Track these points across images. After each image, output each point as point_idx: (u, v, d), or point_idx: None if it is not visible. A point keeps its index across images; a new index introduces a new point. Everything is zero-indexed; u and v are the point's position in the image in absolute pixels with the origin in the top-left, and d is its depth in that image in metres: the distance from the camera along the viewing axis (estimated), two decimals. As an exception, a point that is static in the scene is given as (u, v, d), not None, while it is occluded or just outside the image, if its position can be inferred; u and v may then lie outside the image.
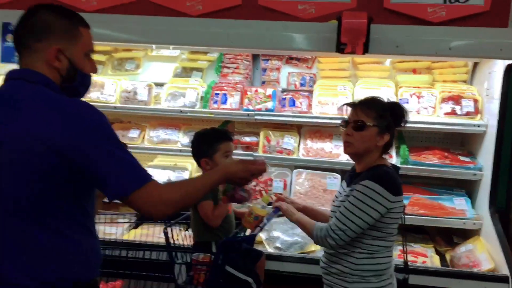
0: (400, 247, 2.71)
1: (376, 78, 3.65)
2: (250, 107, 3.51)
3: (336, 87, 3.57)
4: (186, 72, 3.93)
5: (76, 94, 1.66)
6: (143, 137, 3.76)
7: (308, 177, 3.54)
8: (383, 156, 2.26)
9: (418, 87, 3.49)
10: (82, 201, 1.59)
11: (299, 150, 3.52)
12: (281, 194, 3.35)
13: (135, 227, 3.50)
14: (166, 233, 2.42)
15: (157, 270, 2.61)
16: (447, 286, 2.85)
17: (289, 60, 3.88)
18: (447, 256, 3.20)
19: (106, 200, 1.75)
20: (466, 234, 3.30)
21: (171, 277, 2.44)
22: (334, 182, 3.46)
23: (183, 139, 3.68)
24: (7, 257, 1.50)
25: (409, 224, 3.07)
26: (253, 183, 3.41)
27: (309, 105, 3.52)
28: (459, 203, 3.28)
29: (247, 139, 3.65)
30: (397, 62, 3.67)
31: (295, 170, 3.58)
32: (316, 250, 3.06)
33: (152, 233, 3.21)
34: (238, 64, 3.85)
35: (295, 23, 2.86)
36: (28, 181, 1.47)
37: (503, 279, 2.81)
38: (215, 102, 3.57)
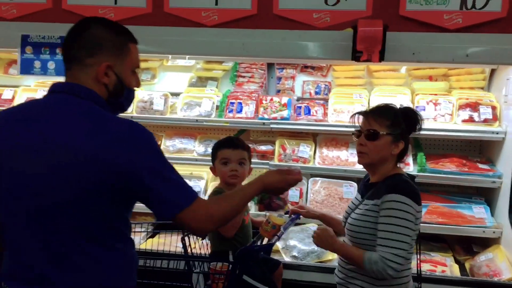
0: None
1: (392, 86, 3.64)
2: (266, 116, 3.51)
3: (352, 95, 3.57)
4: (201, 81, 3.96)
5: (120, 109, 1.68)
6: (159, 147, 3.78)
7: (324, 186, 3.53)
8: (398, 164, 2.21)
9: (435, 94, 3.46)
10: (125, 213, 1.62)
11: (315, 159, 3.52)
12: (297, 202, 3.35)
13: (152, 236, 3.51)
14: (184, 242, 2.42)
15: (175, 279, 2.61)
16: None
17: (304, 68, 3.88)
18: (467, 265, 3.16)
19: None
20: (485, 243, 3.25)
21: (189, 286, 2.44)
22: (351, 190, 3.45)
23: (199, 148, 3.69)
24: (56, 265, 1.51)
25: (426, 233, 3.04)
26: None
27: (325, 113, 3.52)
28: (478, 211, 3.24)
29: (263, 147, 3.65)
30: (413, 69, 3.65)
31: (311, 179, 3.57)
32: (333, 259, 3.03)
33: (170, 242, 3.21)
34: (253, 73, 3.86)
35: (311, 31, 2.87)
36: (77, 196, 1.47)
37: (524, 288, 2.77)
38: (231, 111, 3.59)
